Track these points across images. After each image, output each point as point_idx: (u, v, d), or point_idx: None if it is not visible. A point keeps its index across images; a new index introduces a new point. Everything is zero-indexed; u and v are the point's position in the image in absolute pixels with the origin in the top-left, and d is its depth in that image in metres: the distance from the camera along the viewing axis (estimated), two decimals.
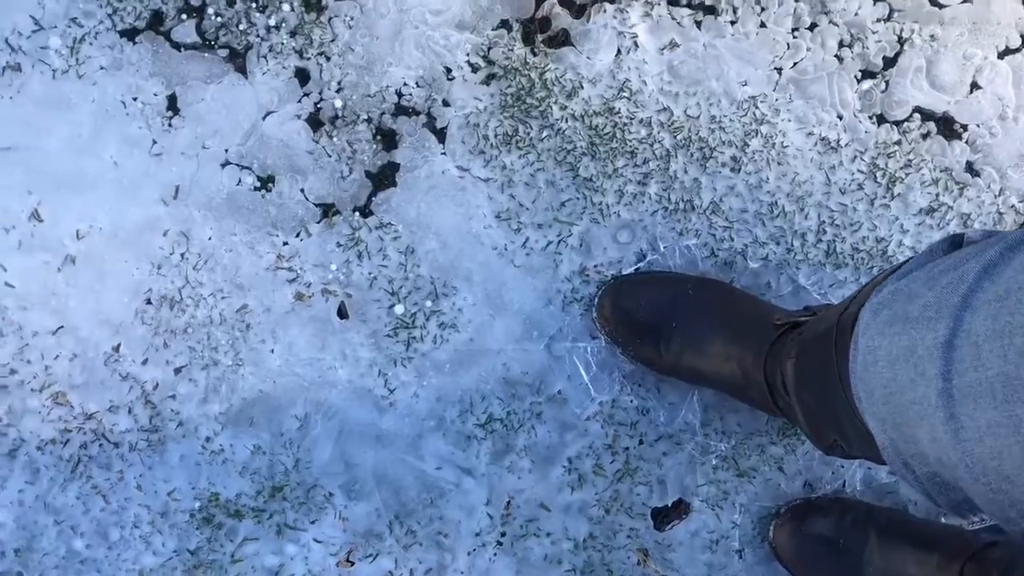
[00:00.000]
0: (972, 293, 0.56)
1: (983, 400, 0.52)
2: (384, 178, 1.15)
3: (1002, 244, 0.57)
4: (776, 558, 1.12)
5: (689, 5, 1.14)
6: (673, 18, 1.14)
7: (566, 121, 1.13)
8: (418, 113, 1.14)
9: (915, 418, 0.59)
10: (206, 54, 1.14)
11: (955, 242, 0.69)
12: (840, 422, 0.83)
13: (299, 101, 1.14)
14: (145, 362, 1.13)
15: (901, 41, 1.15)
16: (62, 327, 1.13)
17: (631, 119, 1.13)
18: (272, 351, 1.14)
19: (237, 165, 1.14)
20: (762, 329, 1.02)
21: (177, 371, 1.13)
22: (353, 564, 1.13)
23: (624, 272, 1.13)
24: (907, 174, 1.14)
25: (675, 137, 1.13)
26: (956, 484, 0.60)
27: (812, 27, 1.14)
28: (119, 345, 1.13)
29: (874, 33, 1.14)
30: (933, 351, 0.56)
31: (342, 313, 1.14)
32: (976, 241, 0.67)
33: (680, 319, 1.07)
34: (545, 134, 1.13)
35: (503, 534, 1.15)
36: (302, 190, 1.14)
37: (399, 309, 1.14)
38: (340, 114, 1.14)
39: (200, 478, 1.13)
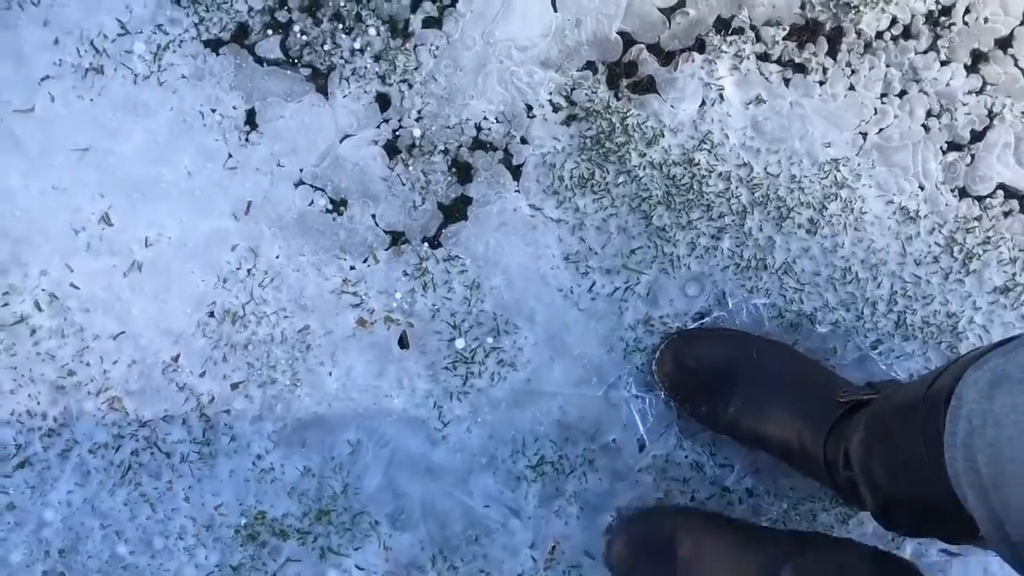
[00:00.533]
0: None
1: None
2: (456, 211, 1.14)
3: None
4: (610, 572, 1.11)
5: (779, 62, 1.12)
6: (761, 73, 1.12)
7: (644, 168, 1.12)
8: (495, 148, 1.13)
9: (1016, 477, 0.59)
10: (288, 71, 1.13)
11: None
12: (914, 497, 0.82)
13: (378, 127, 1.13)
14: (203, 374, 1.13)
15: (991, 115, 1.13)
16: (123, 332, 1.13)
17: (710, 172, 1.12)
18: (330, 374, 1.13)
19: (311, 186, 1.13)
20: (825, 404, 1.00)
21: (234, 386, 1.13)
22: None
23: (689, 326, 1.12)
24: (984, 251, 1.12)
25: (753, 194, 1.12)
26: None
27: (902, 94, 1.12)
28: (178, 355, 1.13)
29: (964, 105, 1.12)
30: None
31: (403, 342, 1.13)
32: None
33: (742, 381, 1.05)
34: (621, 180, 1.12)
35: None
36: (373, 216, 1.14)
37: (460, 343, 1.13)
38: (418, 143, 1.13)
39: (248, 495, 1.13)
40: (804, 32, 1.13)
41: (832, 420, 0.98)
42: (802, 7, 1.12)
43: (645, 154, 1.12)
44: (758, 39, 1.12)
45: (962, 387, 0.69)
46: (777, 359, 1.07)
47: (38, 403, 1.12)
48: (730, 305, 1.12)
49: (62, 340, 1.12)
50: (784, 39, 1.12)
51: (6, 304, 1.12)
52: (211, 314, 1.13)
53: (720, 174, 1.12)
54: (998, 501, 0.63)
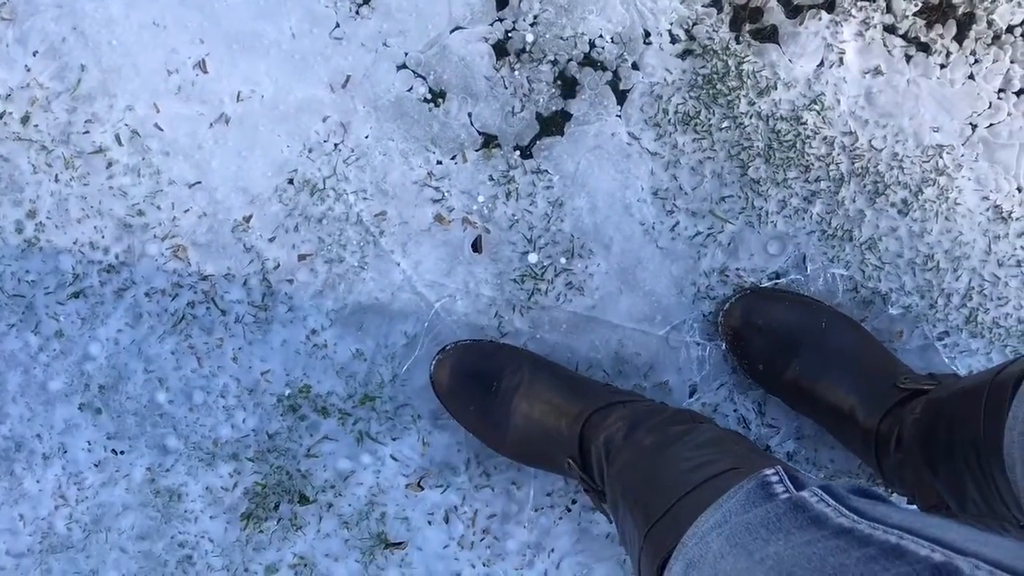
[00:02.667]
0: None
1: None
2: (553, 124, 1.11)
3: None
4: (432, 389, 1.10)
5: (905, 37, 1.10)
6: (885, 45, 1.10)
7: (750, 117, 1.10)
8: (605, 69, 1.11)
9: None
10: None
11: None
12: (962, 482, 0.82)
13: (491, 24, 1.10)
14: (272, 240, 1.11)
15: None
16: (199, 183, 1.11)
17: (815, 134, 1.10)
18: (398, 264, 1.12)
19: (413, 71, 1.11)
20: (885, 386, 0.99)
21: (301, 257, 1.12)
22: (422, 490, 1.13)
23: (763, 284, 1.11)
24: None
25: (853, 164, 1.10)
26: None
27: (1019, 92, 1.10)
28: (250, 216, 1.11)
29: None
30: None
31: (476, 246, 1.12)
32: None
33: (805, 347, 1.04)
34: (725, 124, 1.10)
35: (573, 501, 1.14)
36: (470, 114, 1.11)
37: (532, 258, 1.12)
38: (528, 49, 1.11)
39: (296, 367, 1.12)
40: (935, 12, 1.10)
41: (890, 403, 0.98)
42: None
43: (754, 103, 1.10)
44: (888, 10, 1.10)
45: None
46: (844, 333, 1.06)
47: (102, 236, 1.10)
48: (808, 270, 1.11)
49: (137, 179, 1.10)
50: (914, 15, 1.10)
51: (87, 132, 1.09)
52: (290, 181, 1.11)
53: (824, 138, 1.10)
54: None
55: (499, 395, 1.06)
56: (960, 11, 1.10)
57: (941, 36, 1.10)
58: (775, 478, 0.67)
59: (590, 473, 0.99)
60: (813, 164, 1.10)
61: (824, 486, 0.64)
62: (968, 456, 0.82)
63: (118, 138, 1.09)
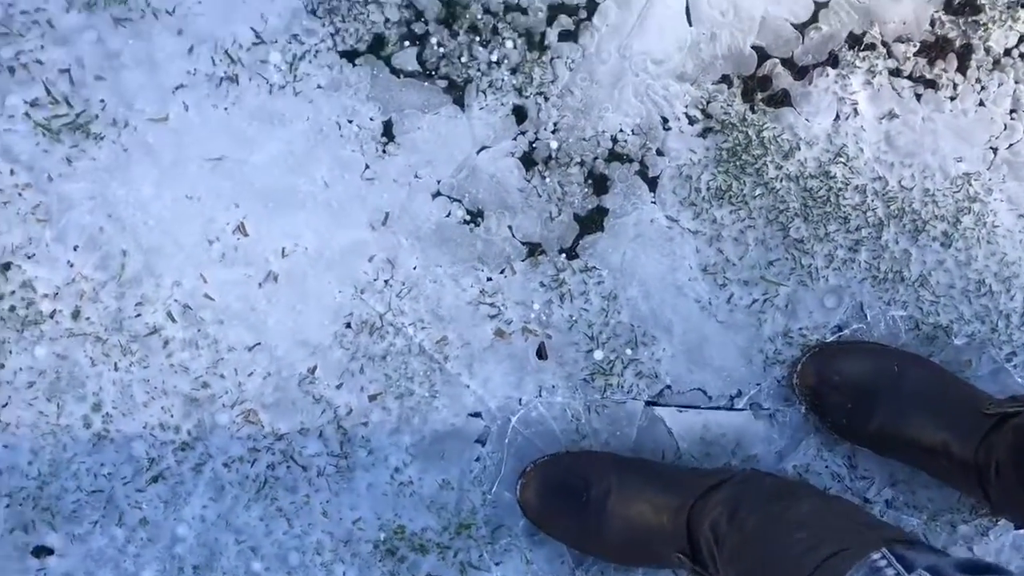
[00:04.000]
0: None
1: None
2: (592, 222, 1.13)
3: None
4: (523, 514, 1.09)
5: (910, 77, 1.13)
6: (894, 88, 1.13)
7: (781, 181, 1.12)
8: (632, 160, 1.13)
9: None
10: (425, 83, 1.12)
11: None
12: None
13: (514, 139, 1.13)
14: (340, 386, 1.11)
15: None
16: (259, 344, 1.10)
17: (846, 185, 1.12)
18: (468, 386, 1.12)
19: (448, 197, 1.12)
20: (972, 416, 0.99)
21: (371, 398, 1.11)
22: None
23: (828, 339, 1.12)
24: None
25: (888, 207, 1.13)
26: None
27: None
28: (315, 367, 1.11)
29: None
30: None
31: (541, 354, 1.12)
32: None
33: (884, 394, 1.04)
34: (758, 192, 1.12)
35: None
36: (510, 227, 1.13)
37: (598, 355, 1.12)
38: (554, 155, 1.13)
39: (386, 509, 1.10)
40: (934, 49, 1.14)
41: (982, 431, 0.98)
42: (932, 24, 1.14)
43: (781, 166, 1.12)
44: (890, 55, 1.13)
45: None
46: (918, 372, 1.06)
47: (171, 416, 1.10)
48: (868, 317, 1.12)
49: (196, 352, 1.10)
50: (915, 55, 1.13)
51: (138, 315, 1.09)
52: (348, 325, 1.11)
53: (856, 187, 1.12)
54: None
55: (591, 504, 1.05)
56: (957, 44, 1.13)
57: (944, 71, 1.13)
58: (883, 563, 0.68)
59: (702, 562, 0.98)
60: (850, 214, 1.12)
61: (931, 567, 0.66)
62: None
63: (170, 315, 1.09)
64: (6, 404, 1.08)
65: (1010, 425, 0.96)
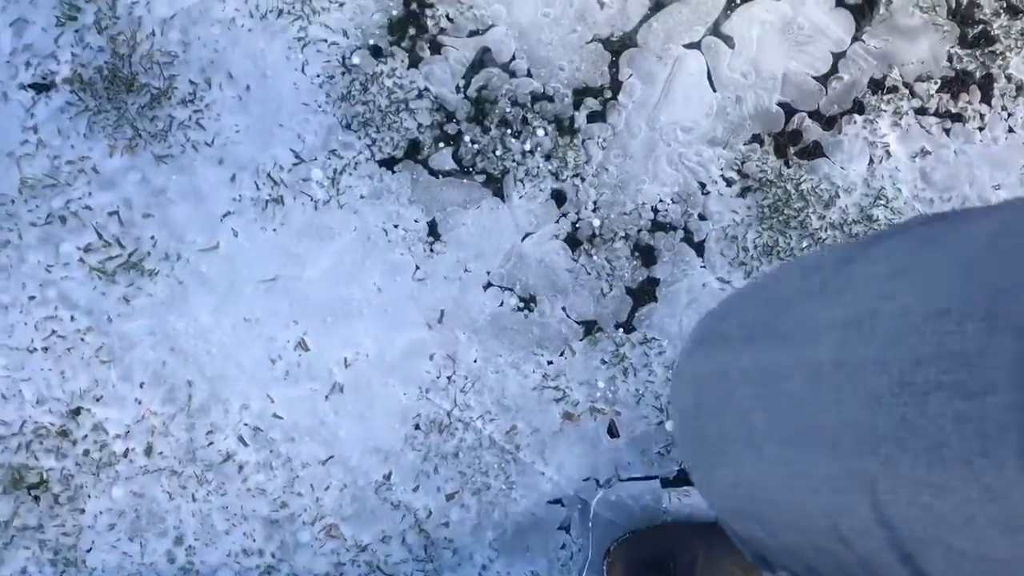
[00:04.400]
0: (813, 316, 0.45)
1: (822, 448, 0.42)
2: (645, 293, 1.14)
3: (839, 253, 0.47)
4: None
5: (937, 114, 1.15)
6: (922, 126, 1.15)
7: (825, 230, 1.13)
8: (675, 228, 1.15)
9: (716, 456, 0.49)
10: (464, 180, 1.15)
11: None
12: None
13: (557, 221, 1.15)
14: (416, 489, 1.11)
15: None
16: (332, 457, 1.11)
17: (889, 226, 1.13)
18: (543, 473, 1.11)
19: (499, 287, 1.14)
20: None
21: (449, 497, 1.11)
22: None
23: None
24: None
25: None
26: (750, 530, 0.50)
27: None
28: (390, 473, 1.11)
29: None
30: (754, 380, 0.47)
31: (612, 432, 1.12)
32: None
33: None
34: (805, 244, 1.13)
35: None
36: (564, 308, 1.14)
37: (669, 425, 1.12)
38: (598, 232, 1.14)
39: None
40: (955, 83, 1.16)
41: None
42: (949, 60, 1.16)
43: (824, 216, 1.13)
44: (913, 95, 1.16)
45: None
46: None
47: (253, 540, 1.09)
48: None
49: (271, 472, 1.10)
50: (937, 92, 1.15)
51: (210, 443, 1.10)
52: (417, 427, 1.11)
53: None
54: None
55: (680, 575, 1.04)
56: (977, 75, 1.15)
57: (969, 103, 1.15)
58: None
59: None
60: None
61: None
62: None
63: (242, 439, 1.10)
64: (90, 549, 1.08)
65: None
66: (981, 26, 1.15)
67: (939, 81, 1.15)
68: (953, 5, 1.15)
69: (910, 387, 0.35)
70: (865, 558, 0.38)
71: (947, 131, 1.15)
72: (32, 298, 1.10)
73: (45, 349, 1.10)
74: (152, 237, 1.11)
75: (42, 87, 1.12)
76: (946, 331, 0.34)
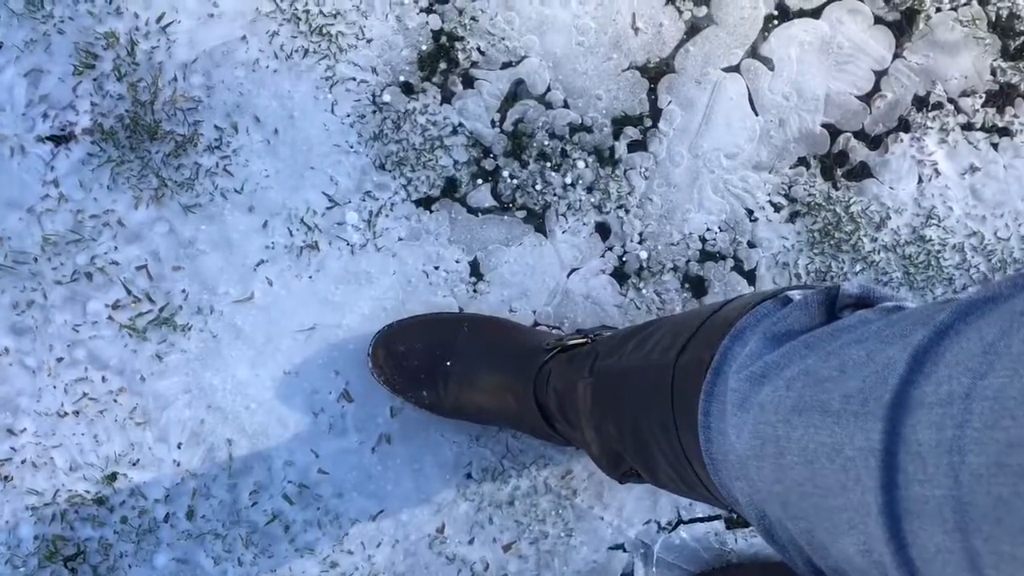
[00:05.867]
0: (906, 389, 0.46)
1: (930, 520, 0.43)
2: None
3: (930, 329, 0.47)
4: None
5: (983, 128, 1.13)
6: (969, 142, 1.12)
7: (878, 252, 1.10)
8: (724, 257, 1.11)
9: (843, 525, 0.49)
10: (504, 216, 1.11)
11: (830, 296, 0.59)
12: (652, 459, 0.72)
13: (602, 255, 1.11)
14: (471, 541, 1.06)
15: None
16: (382, 511, 1.06)
17: (943, 245, 1.10)
18: (602, 518, 1.07)
19: (546, 326, 1.10)
20: (533, 355, 0.95)
21: (506, 548, 1.07)
22: None
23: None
24: None
25: (990, 260, 1.11)
26: None
27: None
28: (443, 526, 1.07)
29: None
30: (868, 456, 0.46)
31: None
32: (854, 296, 0.58)
33: (455, 358, 1.00)
34: (859, 267, 1.10)
35: None
36: None
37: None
38: (645, 265, 1.11)
39: None
40: (1000, 96, 1.14)
41: (537, 365, 0.93)
42: (993, 73, 1.14)
43: (876, 238, 1.11)
44: (958, 111, 1.13)
45: (732, 387, 0.58)
46: (487, 330, 1.02)
47: None
48: None
49: (319, 531, 1.05)
50: (983, 106, 1.13)
51: (255, 503, 1.05)
52: (469, 475, 1.07)
53: (953, 246, 1.11)
54: (800, 532, 0.54)
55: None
56: (1022, 88, 1.13)
57: (1016, 116, 1.12)
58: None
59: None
60: (954, 274, 1.10)
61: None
62: (658, 438, 0.70)
63: (287, 498, 1.05)
64: None
65: (595, 367, 0.84)
66: (1022, 38, 1.13)
67: (983, 95, 1.12)
68: (993, 18, 1.13)
69: (1006, 468, 0.37)
70: None
71: (995, 146, 1.12)
72: (60, 360, 1.05)
73: (76, 413, 1.05)
74: (183, 290, 1.07)
75: (61, 139, 1.07)
76: None
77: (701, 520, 1.07)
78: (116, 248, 1.06)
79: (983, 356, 0.42)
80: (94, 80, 1.07)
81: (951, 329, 0.46)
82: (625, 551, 1.06)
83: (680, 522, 1.07)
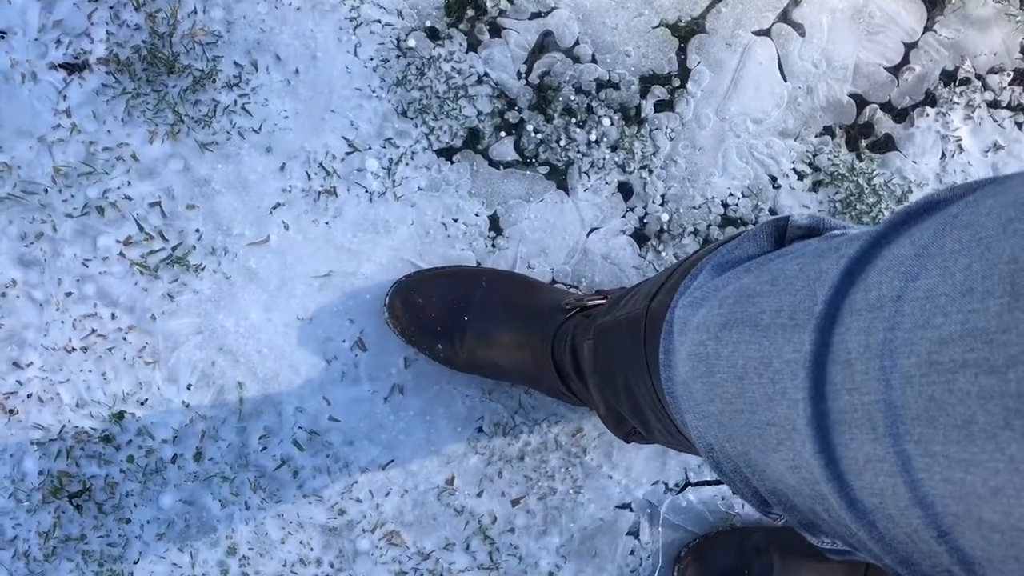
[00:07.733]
0: (836, 300, 0.45)
1: (859, 429, 0.41)
2: None
3: (864, 240, 0.46)
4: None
5: (1009, 107, 1.12)
6: (995, 120, 1.12)
7: None
8: (746, 223, 1.11)
9: (772, 441, 0.48)
10: (526, 171, 1.09)
11: (779, 227, 0.59)
12: (643, 413, 0.72)
13: (623, 216, 1.10)
14: (480, 494, 1.06)
15: None
16: (392, 461, 1.06)
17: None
18: (611, 476, 1.07)
19: (564, 284, 1.09)
20: (551, 314, 0.94)
21: (514, 503, 1.07)
22: None
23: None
24: None
25: None
26: (809, 508, 0.49)
27: None
28: (452, 478, 1.06)
29: None
30: (796, 368, 0.45)
31: None
32: (803, 227, 0.57)
33: (472, 313, 0.99)
34: None
35: None
36: None
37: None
38: (666, 227, 1.10)
39: None
40: None
41: (557, 325, 0.92)
42: (1022, 51, 1.13)
43: None
44: (986, 87, 1.12)
45: (676, 314, 0.58)
46: (506, 286, 1.01)
47: (311, 549, 1.04)
48: None
49: (328, 479, 1.05)
50: (1010, 84, 1.12)
51: (264, 448, 1.04)
52: (480, 429, 1.06)
53: None
54: (738, 454, 0.53)
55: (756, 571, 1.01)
56: None
57: None
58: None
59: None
60: None
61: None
62: (642, 390, 0.70)
63: (297, 444, 1.04)
64: (137, 560, 1.02)
65: (593, 326, 0.85)
66: None
67: (1012, 73, 1.12)
68: None
69: (937, 367, 0.36)
70: (909, 534, 0.40)
71: (1019, 125, 1.12)
72: (69, 294, 1.03)
73: (84, 349, 1.03)
74: (197, 230, 1.04)
75: (75, 67, 1.04)
76: (970, 310, 0.35)
77: (708, 484, 1.08)
78: (129, 183, 1.04)
79: (915, 259, 0.40)
80: (110, 8, 1.03)
81: (884, 239, 0.45)
82: (632, 510, 1.07)
83: (688, 484, 1.07)
